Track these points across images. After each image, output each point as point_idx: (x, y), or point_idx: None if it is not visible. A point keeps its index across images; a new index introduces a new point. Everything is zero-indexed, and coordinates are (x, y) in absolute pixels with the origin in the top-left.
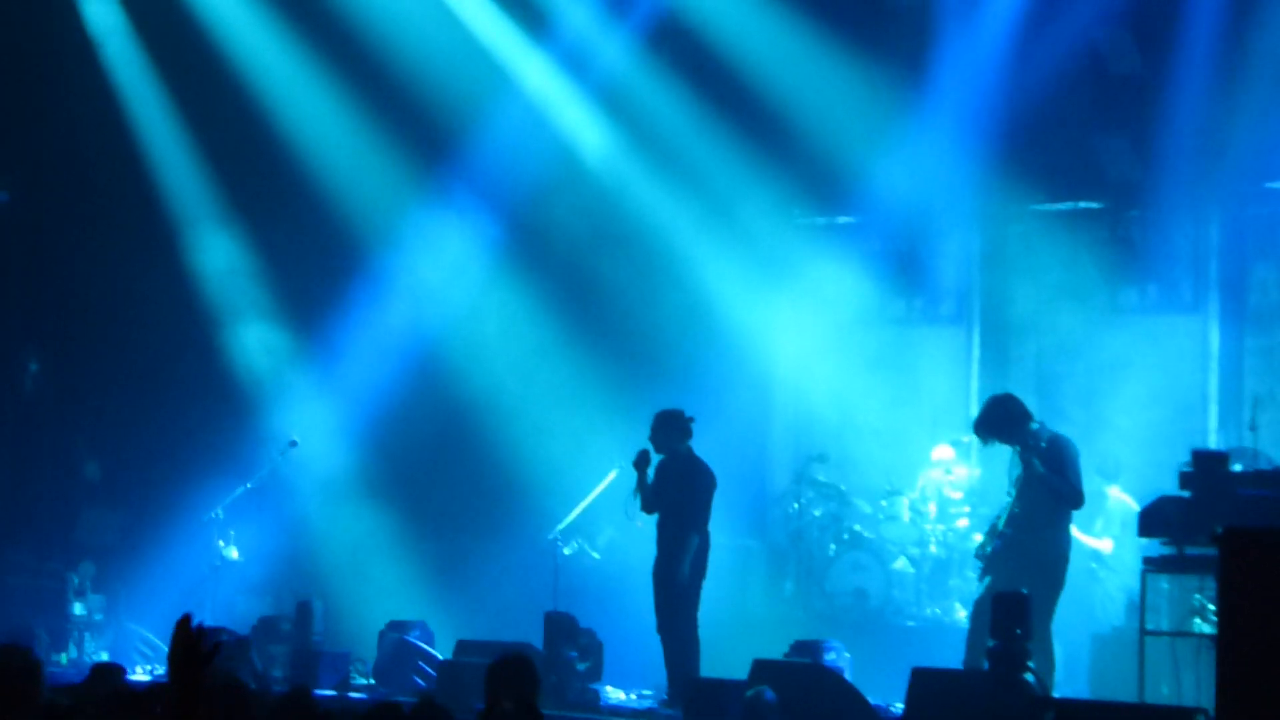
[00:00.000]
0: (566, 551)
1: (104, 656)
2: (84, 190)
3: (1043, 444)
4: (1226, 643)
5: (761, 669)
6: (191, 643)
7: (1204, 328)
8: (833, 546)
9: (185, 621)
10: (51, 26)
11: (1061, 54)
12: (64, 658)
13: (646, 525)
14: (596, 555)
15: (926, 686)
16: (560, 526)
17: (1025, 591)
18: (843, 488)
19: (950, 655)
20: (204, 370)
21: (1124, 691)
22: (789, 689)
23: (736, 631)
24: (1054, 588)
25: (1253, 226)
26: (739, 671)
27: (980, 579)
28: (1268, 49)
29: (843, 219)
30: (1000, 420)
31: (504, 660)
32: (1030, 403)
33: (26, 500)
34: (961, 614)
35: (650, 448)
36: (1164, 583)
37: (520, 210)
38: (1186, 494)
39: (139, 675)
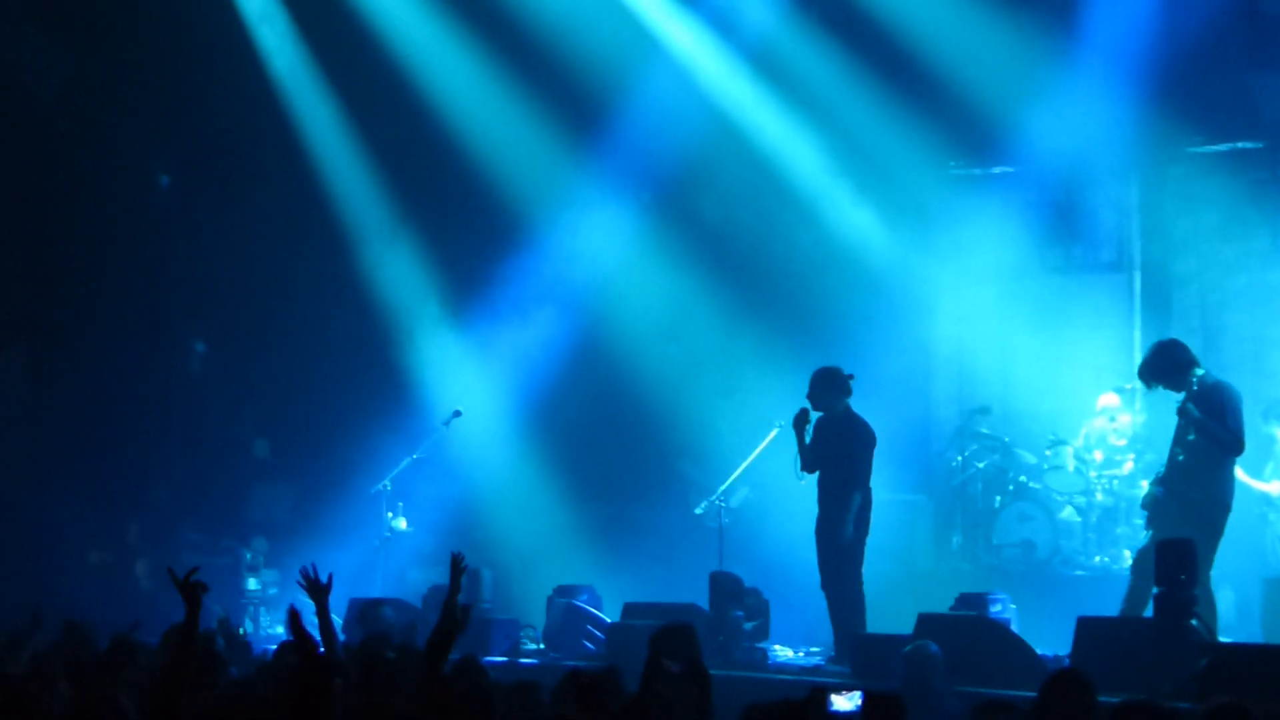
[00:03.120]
0: (697, 511)
1: (279, 630)
2: (243, 173)
3: (1195, 388)
4: None
5: (926, 622)
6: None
7: None
8: (998, 498)
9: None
10: (209, 13)
11: None
12: (240, 632)
13: (782, 484)
14: (728, 517)
15: (1092, 635)
16: (722, 487)
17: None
18: (1006, 439)
19: (1120, 604)
20: (368, 345)
21: None
22: (954, 642)
23: (905, 586)
24: (1213, 535)
25: None
26: (907, 627)
27: (1146, 528)
28: None
29: (998, 169)
30: (1164, 366)
31: (665, 629)
32: (1194, 346)
33: (199, 479)
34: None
35: (809, 406)
36: None
37: (672, 174)
38: None
39: None
